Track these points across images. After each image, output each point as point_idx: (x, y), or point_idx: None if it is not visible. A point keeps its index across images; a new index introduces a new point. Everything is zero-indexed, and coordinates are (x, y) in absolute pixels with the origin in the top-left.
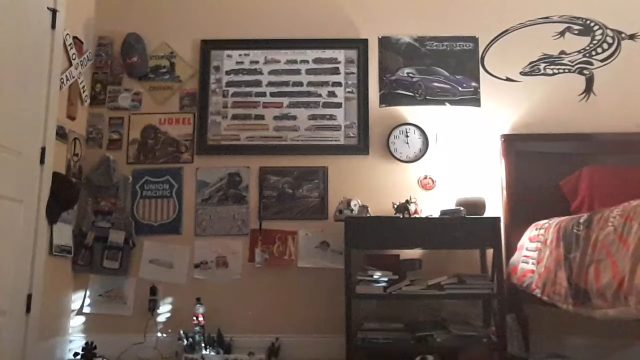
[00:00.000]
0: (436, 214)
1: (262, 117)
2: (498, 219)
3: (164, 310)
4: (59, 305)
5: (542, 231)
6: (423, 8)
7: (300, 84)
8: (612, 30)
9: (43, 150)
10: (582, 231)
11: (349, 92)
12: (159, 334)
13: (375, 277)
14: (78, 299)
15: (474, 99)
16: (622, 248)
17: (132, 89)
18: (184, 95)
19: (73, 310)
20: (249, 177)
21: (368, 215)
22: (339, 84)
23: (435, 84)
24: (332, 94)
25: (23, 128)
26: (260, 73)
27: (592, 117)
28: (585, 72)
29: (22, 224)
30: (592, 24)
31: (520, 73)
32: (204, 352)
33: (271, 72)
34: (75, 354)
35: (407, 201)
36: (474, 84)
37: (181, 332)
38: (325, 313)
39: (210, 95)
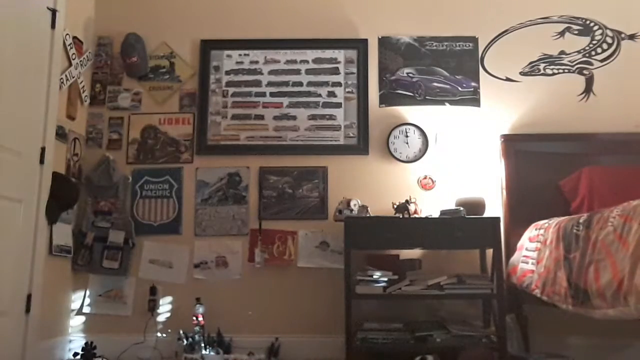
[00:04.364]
0: (436, 214)
1: (262, 117)
2: (498, 219)
3: (164, 310)
4: (58, 305)
5: (541, 231)
6: (423, 8)
7: (300, 84)
8: (611, 30)
9: (43, 150)
10: (581, 231)
11: (348, 92)
12: (159, 334)
13: (375, 277)
14: (78, 299)
15: (474, 99)
16: (622, 248)
17: (131, 89)
18: (184, 95)
19: (73, 310)
20: (249, 177)
21: (368, 215)
22: (338, 84)
23: (435, 84)
24: (332, 94)
25: (23, 128)
26: (260, 73)
27: (592, 117)
28: (585, 72)
29: (21, 224)
30: (592, 24)
31: (520, 73)
32: (203, 352)
33: (271, 72)
34: (75, 354)
35: (407, 201)
36: (473, 84)
37: (181, 332)
38: (325, 313)
39: (210, 95)
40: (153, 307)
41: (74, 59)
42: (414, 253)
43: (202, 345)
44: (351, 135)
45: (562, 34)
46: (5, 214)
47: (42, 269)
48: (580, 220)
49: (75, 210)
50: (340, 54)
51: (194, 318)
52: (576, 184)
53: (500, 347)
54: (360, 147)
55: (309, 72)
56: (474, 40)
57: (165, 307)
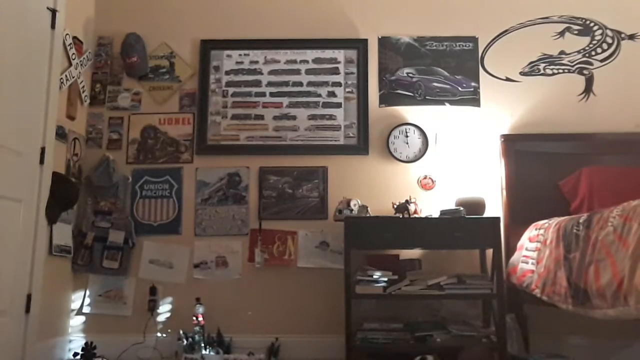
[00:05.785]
0: (436, 214)
1: (261, 117)
2: (498, 219)
3: (164, 310)
4: (58, 305)
5: (541, 231)
6: (423, 8)
7: (300, 84)
8: (611, 30)
9: (43, 150)
10: (581, 231)
11: (348, 92)
12: (159, 334)
13: (375, 277)
14: (78, 299)
15: (474, 99)
16: (622, 248)
17: (131, 89)
18: (184, 95)
19: (73, 310)
20: (249, 177)
21: (368, 215)
22: (338, 84)
23: (435, 84)
24: (331, 94)
25: (23, 128)
26: (260, 73)
27: (592, 117)
28: (585, 72)
29: (21, 223)
30: (592, 24)
31: (520, 73)
32: (203, 352)
33: (271, 72)
34: (75, 354)
35: (406, 201)
36: (473, 84)
37: (181, 332)
38: (325, 313)
39: (209, 95)
40: (153, 307)
41: (74, 59)
42: (414, 253)
43: (202, 345)
44: (351, 135)
45: (562, 34)
46: (5, 214)
47: (42, 269)
48: (580, 220)
49: (75, 210)
50: (340, 54)
51: (194, 318)
52: (576, 184)
53: (500, 347)
54: (360, 147)
55: (309, 72)
56: (474, 40)
57: (165, 307)
